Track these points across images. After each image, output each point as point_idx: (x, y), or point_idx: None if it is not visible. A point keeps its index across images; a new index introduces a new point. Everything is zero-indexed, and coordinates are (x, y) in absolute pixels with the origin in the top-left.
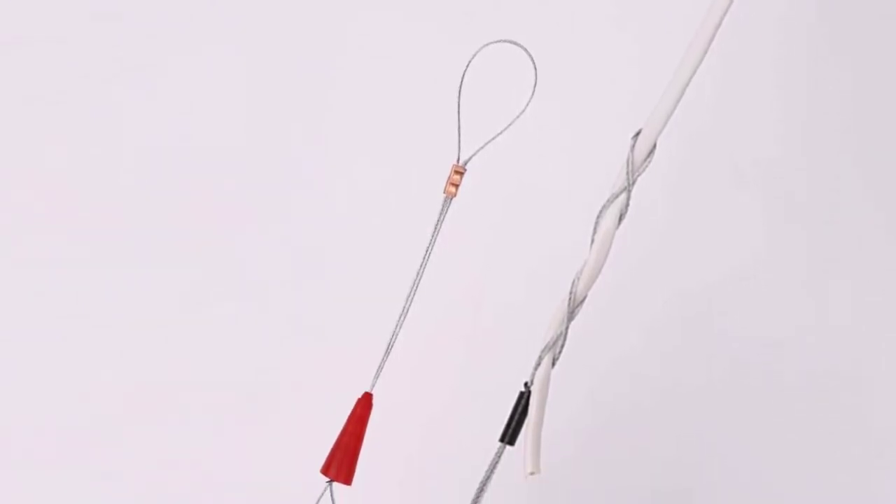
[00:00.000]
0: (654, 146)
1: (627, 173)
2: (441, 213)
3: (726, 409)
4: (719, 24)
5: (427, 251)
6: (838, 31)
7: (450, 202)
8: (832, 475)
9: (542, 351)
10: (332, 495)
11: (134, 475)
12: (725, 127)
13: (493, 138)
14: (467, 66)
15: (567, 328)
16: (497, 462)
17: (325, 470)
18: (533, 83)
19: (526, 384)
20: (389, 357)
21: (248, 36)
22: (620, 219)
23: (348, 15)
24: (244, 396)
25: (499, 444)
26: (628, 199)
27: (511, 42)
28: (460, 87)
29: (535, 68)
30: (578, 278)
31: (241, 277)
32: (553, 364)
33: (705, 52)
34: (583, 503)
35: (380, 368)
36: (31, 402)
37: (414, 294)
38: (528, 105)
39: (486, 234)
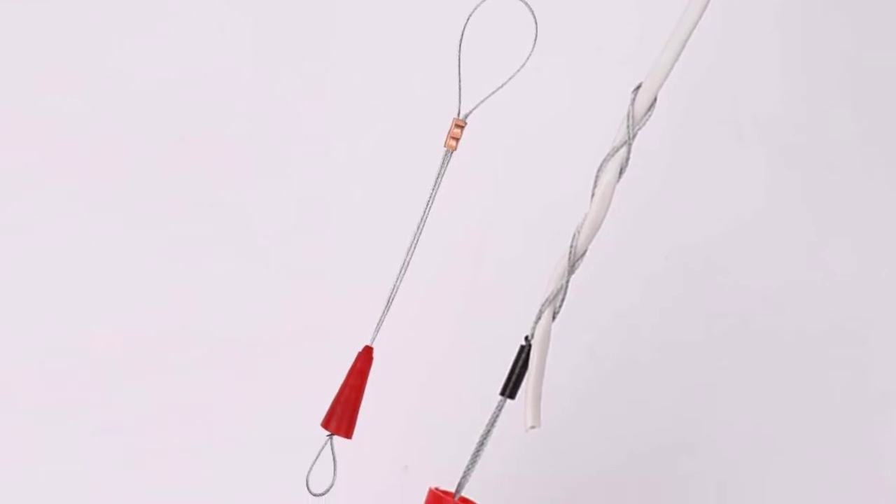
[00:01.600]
0: (655, 100)
1: (628, 127)
2: (441, 167)
3: (726, 363)
4: None
5: (427, 205)
6: None
7: (450, 156)
8: (832, 429)
9: (543, 305)
10: (332, 449)
11: (133, 428)
12: (726, 81)
13: (494, 92)
14: (468, 19)
15: (567, 282)
16: (497, 416)
17: (326, 424)
18: (533, 36)
19: (526, 338)
20: (390, 311)
21: None
22: (621, 172)
23: None
24: (244, 350)
25: (499, 397)
26: (629, 152)
27: None
28: (461, 40)
29: (536, 21)
30: (579, 232)
31: (241, 230)
32: (553, 318)
33: (706, 6)
34: (583, 457)
35: (380, 322)
36: (30, 353)
37: (414, 248)
38: (528, 59)
39: (486, 187)
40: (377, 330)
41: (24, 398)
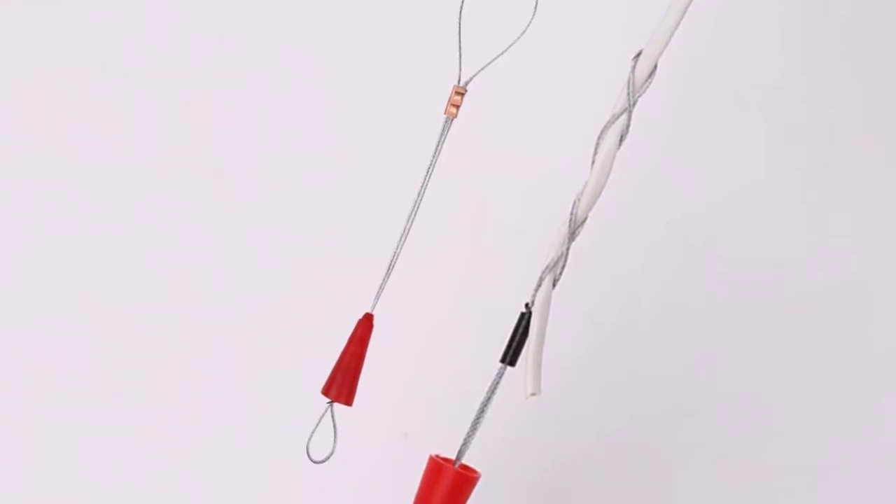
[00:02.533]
0: (655, 67)
1: (628, 94)
2: (442, 134)
3: (727, 331)
4: None
5: (428, 172)
6: None
7: (450, 123)
8: (832, 395)
9: (543, 272)
10: (332, 416)
11: (132, 398)
12: (726, 49)
13: (494, 59)
14: None
15: (568, 249)
16: (498, 383)
17: (326, 391)
18: (534, 4)
19: (527, 305)
20: (390, 278)
21: None
22: (621, 140)
23: None
24: (244, 318)
25: (499, 364)
26: (629, 120)
27: None
28: (461, 7)
29: None
30: (579, 199)
31: (240, 199)
32: (554, 285)
33: None
34: (583, 424)
35: (380, 289)
36: (28, 325)
37: (415, 215)
38: (528, 26)
39: (486, 154)
40: (377, 297)
41: (21, 369)
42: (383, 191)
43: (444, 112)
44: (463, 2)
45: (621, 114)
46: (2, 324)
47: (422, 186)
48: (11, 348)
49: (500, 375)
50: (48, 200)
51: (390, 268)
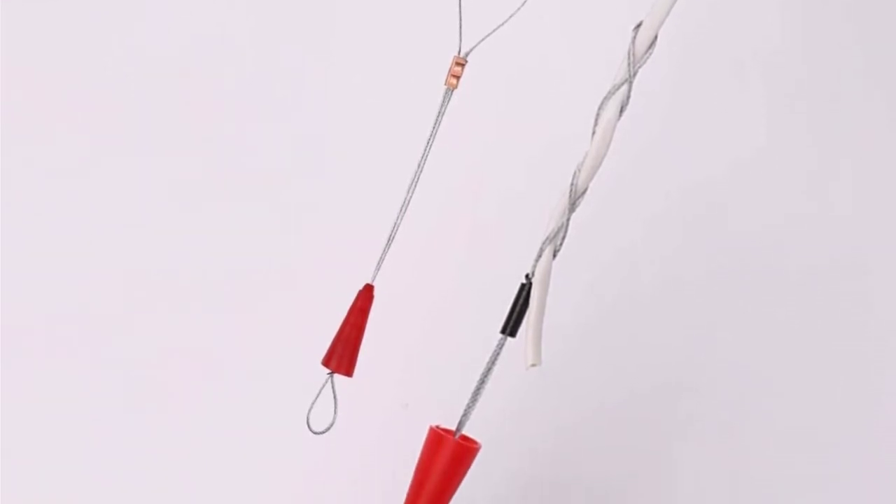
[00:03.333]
0: (655, 38)
1: (629, 65)
2: (442, 105)
3: (728, 302)
4: None
5: (428, 143)
6: None
7: (451, 94)
8: (833, 367)
9: (544, 243)
10: (332, 387)
11: (133, 367)
12: (726, 18)
13: (495, 30)
14: None
15: (568, 220)
16: (498, 353)
17: (327, 361)
18: None
19: (527, 276)
20: (390, 249)
21: None
22: (622, 110)
23: None
24: (244, 288)
25: (500, 335)
26: (629, 90)
27: None
28: None
29: None
30: (580, 170)
31: (242, 170)
32: (554, 256)
33: None
34: (583, 395)
35: (381, 260)
36: (33, 294)
37: (415, 186)
38: None
39: (487, 125)
40: (378, 268)
41: (27, 338)
42: (384, 161)
43: (444, 83)
44: None
45: (622, 84)
46: (4, 295)
47: (422, 157)
48: (15, 319)
49: (500, 346)
50: (49, 174)
51: (391, 239)
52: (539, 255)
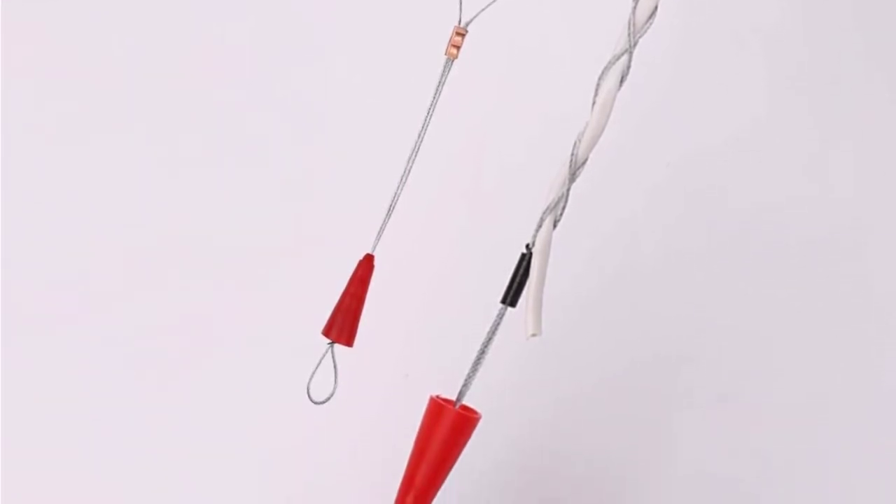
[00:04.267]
0: (656, 8)
1: (629, 35)
2: (442, 75)
3: (728, 272)
4: None
5: (428, 113)
6: None
7: (451, 64)
8: (833, 338)
9: (544, 213)
10: (333, 357)
11: (133, 338)
12: None
13: (495, 0)
14: None
15: (568, 190)
16: (498, 324)
17: (327, 332)
18: None
19: (527, 246)
20: (391, 219)
21: None
22: (622, 81)
23: None
24: (244, 258)
25: (500, 305)
26: (630, 61)
27: None
28: None
29: None
30: (580, 140)
31: (241, 139)
32: (554, 226)
33: None
34: (584, 365)
35: (381, 230)
36: (32, 266)
37: (415, 156)
38: None
39: (487, 95)
40: (378, 238)
41: (26, 310)
42: (384, 131)
43: (444, 53)
44: None
45: (622, 55)
46: (4, 268)
47: (422, 127)
48: (16, 289)
49: (500, 316)
50: (47, 146)
51: (391, 209)
52: (539, 226)
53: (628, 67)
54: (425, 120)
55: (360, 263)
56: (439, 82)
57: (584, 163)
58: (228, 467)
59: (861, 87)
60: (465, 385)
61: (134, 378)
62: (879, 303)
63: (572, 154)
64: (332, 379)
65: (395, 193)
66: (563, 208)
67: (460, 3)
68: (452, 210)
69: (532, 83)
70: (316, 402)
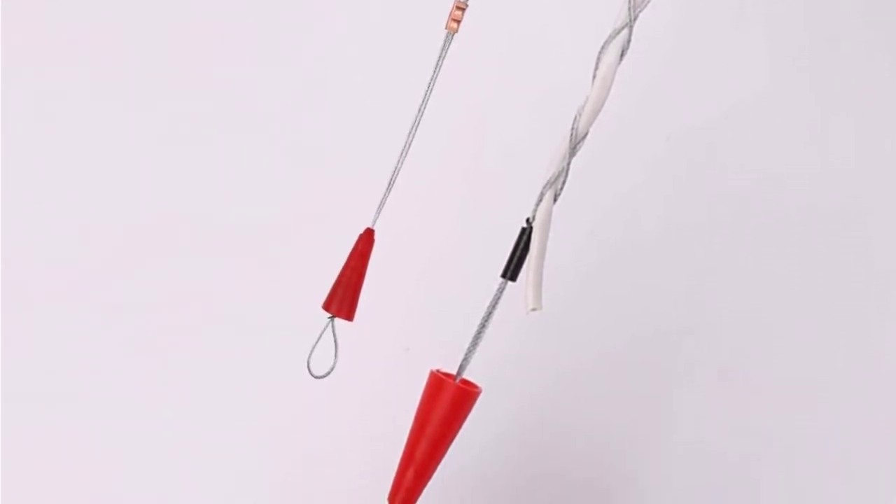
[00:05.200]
0: None
1: (629, 9)
2: (443, 49)
3: (728, 247)
4: None
5: (429, 87)
6: None
7: (451, 38)
8: (834, 312)
9: (544, 187)
10: (333, 331)
11: (134, 312)
12: None
13: None
14: None
15: (569, 164)
16: (499, 298)
17: (327, 305)
18: None
19: (528, 220)
20: (391, 193)
21: None
22: (622, 55)
23: None
24: (244, 232)
25: (500, 280)
26: (630, 34)
27: None
28: None
29: None
30: (580, 114)
31: (241, 113)
32: (555, 200)
33: None
34: (585, 339)
35: (381, 204)
36: (34, 238)
37: (416, 130)
38: None
39: (487, 69)
40: (378, 212)
41: (28, 283)
42: (385, 106)
43: (445, 27)
44: None
45: (622, 28)
46: (5, 240)
47: (423, 101)
48: (17, 261)
49: (501, 290)
50: (49, 115)
51: (391, 183)
52: (540, 200)
53: (629, 41)
54: (426, 94)
55: (361, 238)
56: (439, 56)
57: (584, 137)
58: (229, 443)
59: (861, 58)
60: (466, 359)
61: (134, 354)
62: (880, 276)
63: (573, 128)
64: (333, 353)
65: (396, 167)
66: (564, 182)
67: None
68: (453, 184)
69: (532, 57)
70: (316, 377)
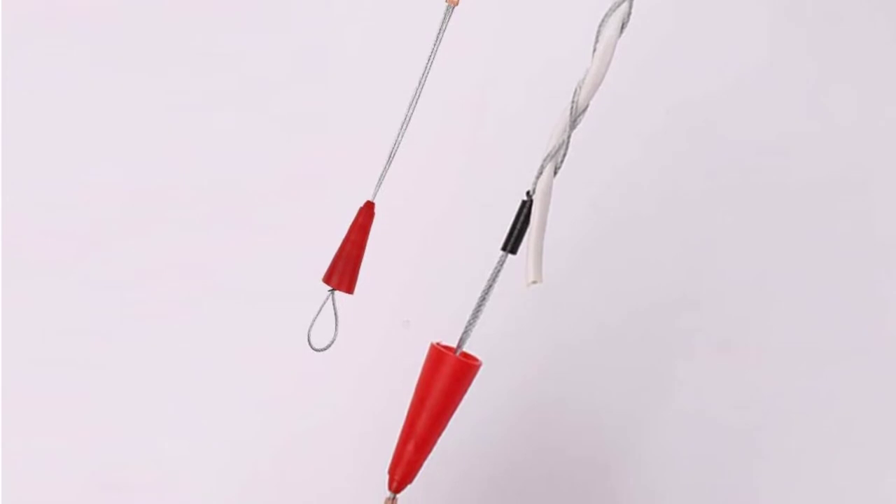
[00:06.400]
0: None
1: None
2: (443, 22)
3: (728, 219)
4: None
5: (429, 59)
6: None
7: (452, 10)
8: (835, 280)
9: (544, 160)
10: (333, 303)
11: (132, 282)
12: None
13: None
14: None
15: (569, 137)
16: (499, 271)
17: (328, 279)
18: None
19: (528, 193)
20: (391, 166)
21: None
22: (622, 27)
23: None
24: (244, 205)
25: (501, 252)
26: (630, 7)
27: None
28: None
29: None
30: (580, 87)
31: (240, 84)
32: (555, 173)
33: None
34: (584, 311)
35: (381, 177)
36: (30, 209)
37: (416, 102)
38: None
39: (488, 42)
40: (378, 185)
41: (24, 253)
42: (385, 78)
43: (445, 0)
44: None
45: (622, 2)
46: (3, 213)
47: (423, 74)
48: (13, 232)
49: (501, 263)
50: (48, 83)
51: (391, 156)
52: (540, 173)
53: (629, 14)
54: (426, 67)
55: (361, 211)
56: (440, 29)
57: (584, 110)
58: (228, 415)
59: (861, 25)
60: (466, 332)
61: (134, 324)
62: (881, 246)
63: (573, 101)
64: (333, 326)
65: (396, 140)
66: (564, 155)
67: None
68: (453, 157)
69: (533, 30)
70: (317, 350)
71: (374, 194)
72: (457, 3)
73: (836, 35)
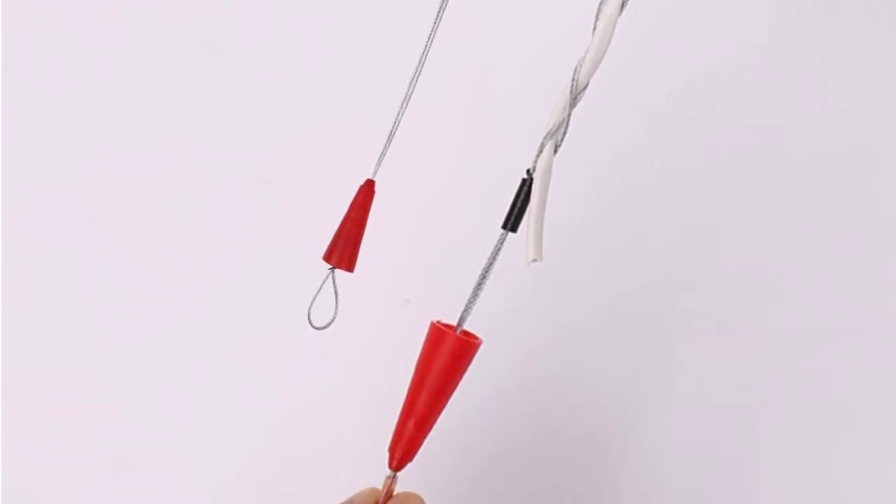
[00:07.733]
0: None
1: None
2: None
3: (729, 200)
4: None
5: (429, 38)
6: None
7: None
8: (834, 263)
9: (545, 138)
10: (333, 282)
11: (133, 262)
12: None
13: None
14: None
15: (569, 115)
16: (499, 249)
17: (328, 257)
18: None
19: (528, 171)
20: (392, 144)
21: None
22: (623, 6)
23: None
24: (245, 184)
25: (501, 231)
26: None
27: None
28: None
29: None
30: (581, 65)
31: (242, 65)
32: (555, 151)
33: None
34: (584, 291)
35: (382, 155)
36: (33, 189)
37: (416, 81)
38: None
39: (489, 20)
40: (379, 163)
41: (26, 233)
42: (385, 58)
43: None
44: None
45: None
46: (6, 188)
47: (423, 52)
48: (16, 212)
49: (501, 242)
50: (49, 73)
51: (392, 134)
52: (540, 151)
53: None
54: (426, 45)
55: (361, 189)
56: (440, 7)
57: (584, 88)
58: (228, 394)
59: (862, 10)
60: (466, 310)
61: (134, 303)
62: (881, 228)
63: (573, 79)
64: (333, 304)
65: (397, 118)
66: (564, 133)
67: None
68: (453, 135)
69: (533, 7)
70: (317, 328)
71: (375, 172)
72: None
73: (837, 18)
